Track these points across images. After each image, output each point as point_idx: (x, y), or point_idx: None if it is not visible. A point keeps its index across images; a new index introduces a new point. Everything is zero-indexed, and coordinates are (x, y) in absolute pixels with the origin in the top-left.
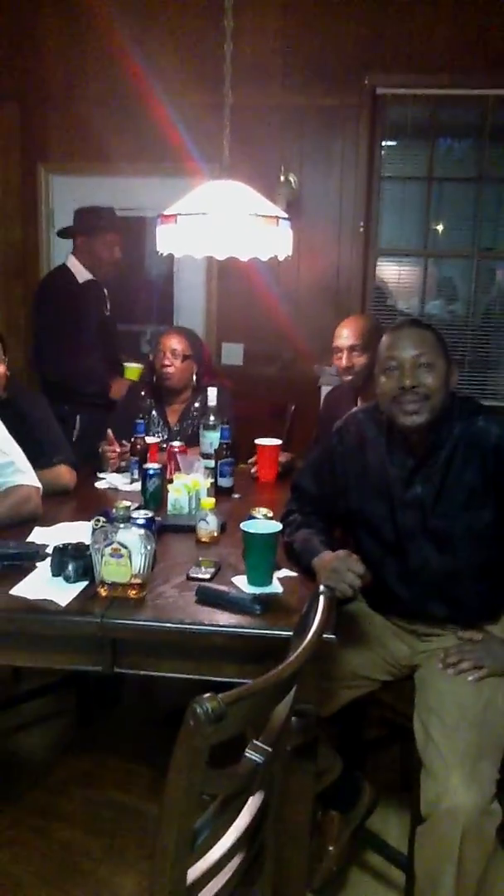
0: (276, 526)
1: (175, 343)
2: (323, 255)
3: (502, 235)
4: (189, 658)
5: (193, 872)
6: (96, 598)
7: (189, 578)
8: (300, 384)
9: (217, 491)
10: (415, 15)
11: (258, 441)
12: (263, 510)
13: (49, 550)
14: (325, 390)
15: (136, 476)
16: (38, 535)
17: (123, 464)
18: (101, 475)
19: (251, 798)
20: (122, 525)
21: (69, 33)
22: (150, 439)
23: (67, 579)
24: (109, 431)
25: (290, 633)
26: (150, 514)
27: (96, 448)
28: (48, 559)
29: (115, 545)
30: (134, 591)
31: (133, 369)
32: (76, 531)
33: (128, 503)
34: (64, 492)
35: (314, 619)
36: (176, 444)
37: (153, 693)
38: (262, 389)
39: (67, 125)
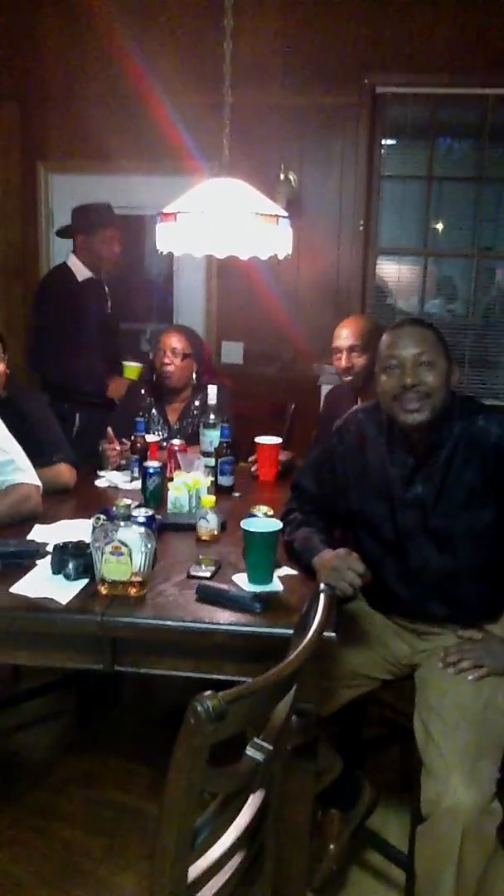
0: (277, 524)
1: (175, 342)
2: (323, 254)
3: (502, 235)
4: (189, 656)
5: (193, 871)
6: (97, 596)
7: (189, 577)
8: (300, 383)
9: (217, 489)
10: (414, 14)
11: (258, 439)
12: (264, 508)
13: (49, 548)
14: (324, 389)
15: (136, 474)
16: (39, 533)
17: (124, 462)
18: (101, 473)
19: (251, 797)
20: (122, 523)
21: (69, 33)
22: (150, 438)
23: (68, 577)
24: (109, 430)
25: (291, 632)
26: (151, 513)
27: (96, 446)
28: (48, 557)
29: (115, 543)
30: (134, 590)
31: (132, 368)
32: (76, 529)
33: (128, 501)
34: (64, 490)
35: (314, 617)
36: (176, 442)
37: (153, 692)
38: (261, 388)
39: (67, 124)
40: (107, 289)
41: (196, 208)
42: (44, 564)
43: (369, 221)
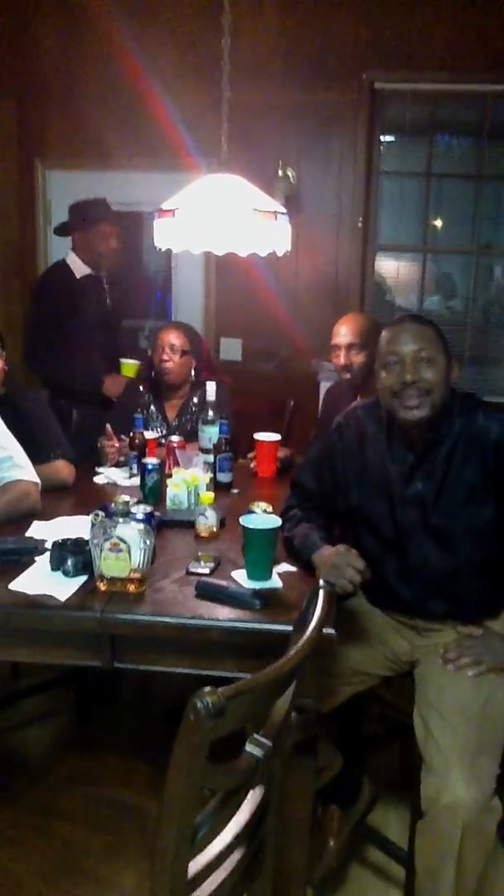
0: (276, 521)
1: (174, 338)
2: (321, 251)
3: (501, 232)
4: (188, 653)
5: (193, 868)
6: (95, 592)
7: (188, 573)
8: (299, 379)
9: (216, 486)
10: (414, 11)
11: (257, 436)
12: (263, 505)
13: (48, 545)
14: (323, 386)
15: (134, 471)
16: (37, 530)
17: (122, 459)
18: (99, 470)
19: (251, 793)
20: (121, 520)
21: (67, 30)
22: (148, 434)
23: (66, 574)
24: (108, 426)
25: (290, 628)
26: (150, 509)
27: (95, 443)
28: (47, 554)
29: (114, 540)
30: (133, 586)
31: (130, 366)
32: (75, 526)
33: (127, 498)
34: (62, 487)
35: (314, 614)
36: (175, 439)
37: (152, 689)
38: (260, 385)
39: (65, 121)
40: (106, 286)
41: (195, 204)
42: (42, 561)
43: (368, 218)
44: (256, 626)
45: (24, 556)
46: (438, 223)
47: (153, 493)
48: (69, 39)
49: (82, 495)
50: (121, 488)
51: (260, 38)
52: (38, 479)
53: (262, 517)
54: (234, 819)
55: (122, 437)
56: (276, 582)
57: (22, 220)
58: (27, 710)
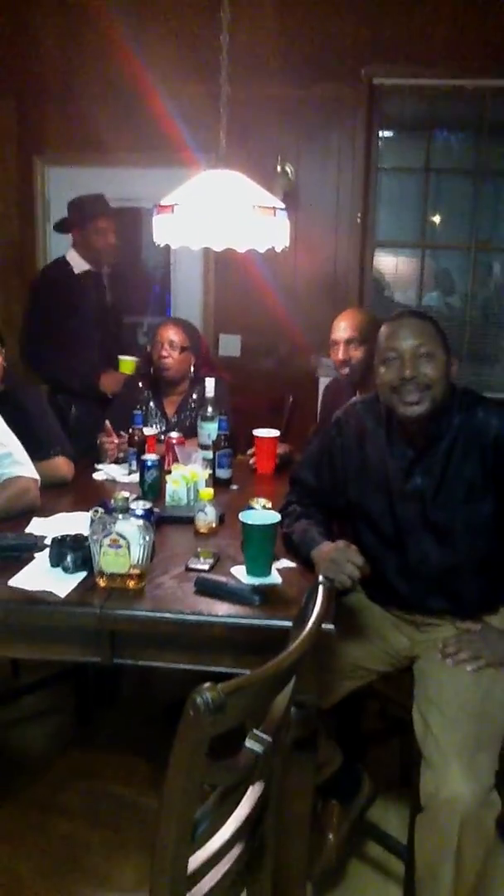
0: (275, 517)
1: (173, 334)
2: (320, 247)
3: (499, 228)
4: (188, 649)
5: (193, 863)
6: (95, 589)
7: (188, 569)
8: (297, 376)
9: (215, 482)
10: (413, 8)
11: (256, 432)
12: (262, 501)
13: (47, 541)
14: (322, 382)
15: (134, 467)
16: (37, 527)
17: (121, 455)
18: (99, 466)
19: (251, 789)
20: (120, 516)
21: (65, 26)
22: (148, 431)
23: (66, 570)
24: (107, 423)
25: (290, 624)
26: (149, 506)
27: (94, 440)
28: (47, 550)
29: (113, 536)
30: (133, 582)
31: (127, 362)
32: (75, 522)
33: (126, 494)
34: (62, 483)
35: (313, 609)
36: (174, 435)
37: (152, 686)
38: (259, 381)
39: (64, 117)
40: (106, 282)
41: (193, 200)
42: (42, 557)
43: (367, 214)
44: (256, 621)
45: (23, 552)
46: (437, 219)
47: (152, 489)
48: (68, 36)
49: (82, 492)
50: (120, 485)
51: (259, 34)
52: (37, 476)
53: (262, 513)
54: (233, 815)
55: (122, 433)
56: (275, 578)
57: (21, 218)
58: (27, 706)
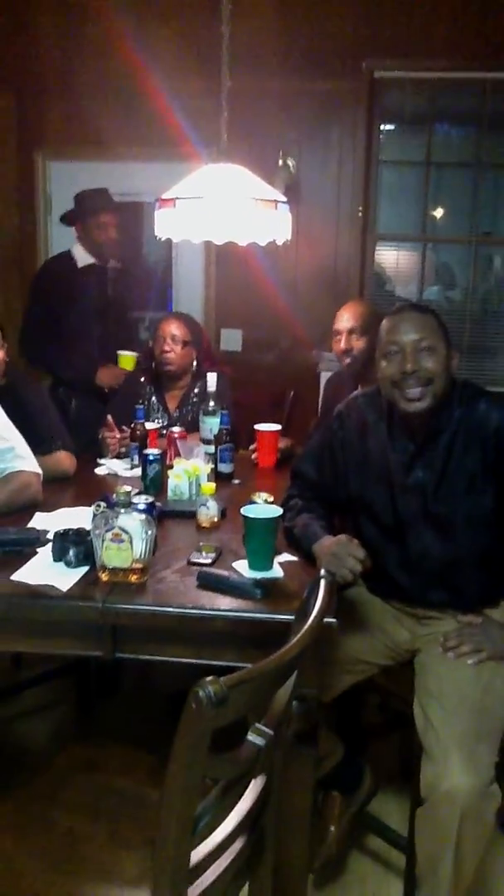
0: (277, 511)
1: (175, 329)
2: (321, 241)
3: (500, 221)
4: (190, 643)
5: (195, 856)
6: (97, 583)
7: (190, 563)
8: (299, 370)
9: (217, 476)
10: (413, 0)
11: (258, 427)
12: (264, 495)
13: (50, 536)
14: (324, 376)
15: (136, 462)
16: (39, 521)
17: (123, 450)
18: (101, 461)
19: (252, 782)
20: (122, 510)
21: (65, 20)
22: (149, 425)
23: (68, 564)
24: (109, 417)
25: (291, 618)
26: (151, 500)
27: (95, 434)
28: (49, 545)
29: (115, 530)
30: (135, 577)
31: (127, 358)
32: (77, 517)
33: (128, 489)
34: (64, 478)
35: (315, 603)
36: (176, 429)
37: (154, 679)
38: (260, 375)
39: (65, 111)
40: (111, 276)
41: (195, 194)
42: (44, 552)
43: (368, 208)
44: (258, 615)
45: (25, 546)
46: (438, 213)
47: (154, 483)
48: (67, 30)
49: (84, 486)
50: (122, 479)
51: (259, 27)
52: (39, 470)
53: (263, 507)
54: (235, 808)
55: (123, 428)
56: (277, 572)
57: (22, 212)
58: (29, 700)
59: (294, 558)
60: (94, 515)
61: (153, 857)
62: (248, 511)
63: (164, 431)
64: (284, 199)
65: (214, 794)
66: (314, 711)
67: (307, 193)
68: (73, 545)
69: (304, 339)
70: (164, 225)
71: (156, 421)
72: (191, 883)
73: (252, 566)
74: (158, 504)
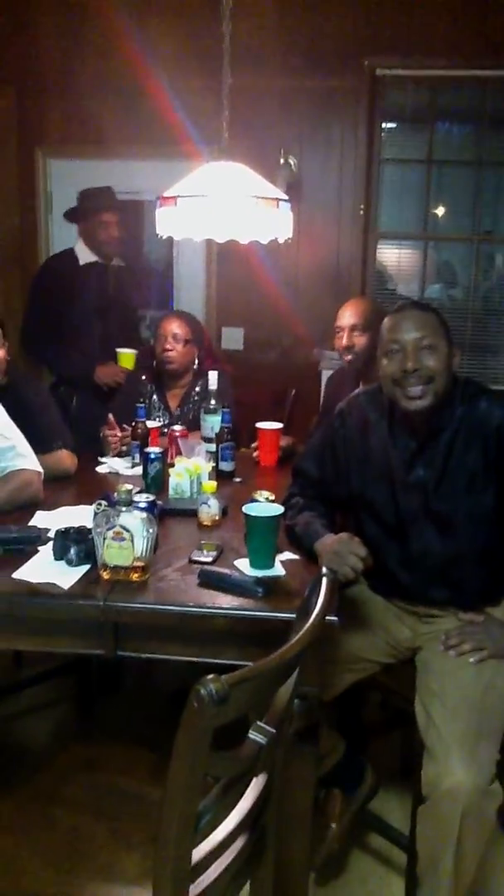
0: (278, 509)
1: (176, 327)
2: (323, 239)
3: (502, 219)
4: (191, 641)
5: (196, 855)
6: (98, 581)
7: (191, 562)
8: (300, 368)
9: (218, 475)
10: None
11: (259, 425)
12: (265, 493)
13: (51, 534)
14: (325, 374)
15: (137, 460)
16: (40, 519)
17: (124, 448)
18: (102, 460)
19: (254, 781)
20: (124, 509)
21: (66, 17)
22: (150, 423)
23: (70, 563)
24: (110, 416)
25: (293, 616)
26: (152, 498)
27: (96, 432)
28: (50, 543)
29: (117, 529)
30: (136, 575)
31: (127, 356)
32: (78, 515)
33: (129, 487)
34: (65, 476)
35: (316, 601)
36: (177, 428)
37: (155, 678)
38: (262, 374)
39: (65, 109)
40: (113, 274)
41: (196, 192)
42: (46, 550)
43: (369, 206)
44: (259, 613)
45: (27, 545)
46: (439, 211)
47: (156, 482)
48: (68, 27)
49: (85, 485)
50: (123, 477)
51: (260, 25)
52: (40, 469)
53: (265, 505)
54: (236, 807)
55: (125, 426)
56: (278, 570)
57: (22, 208)
58: (30, 698)
59: (295, 556)
60: (96, 514)
61: (154, 855)
62: (250, 509)
63: (166, 430)
64: (286, 197)
65: (215, 792)
66: (315, 709)
67: (308, 191)
68: (75, 543)
69: (306, 338)
70: (166, 223)
71: (157, 419)
72: (192, 881)
73: (253, 564)
74: (159, 502)
